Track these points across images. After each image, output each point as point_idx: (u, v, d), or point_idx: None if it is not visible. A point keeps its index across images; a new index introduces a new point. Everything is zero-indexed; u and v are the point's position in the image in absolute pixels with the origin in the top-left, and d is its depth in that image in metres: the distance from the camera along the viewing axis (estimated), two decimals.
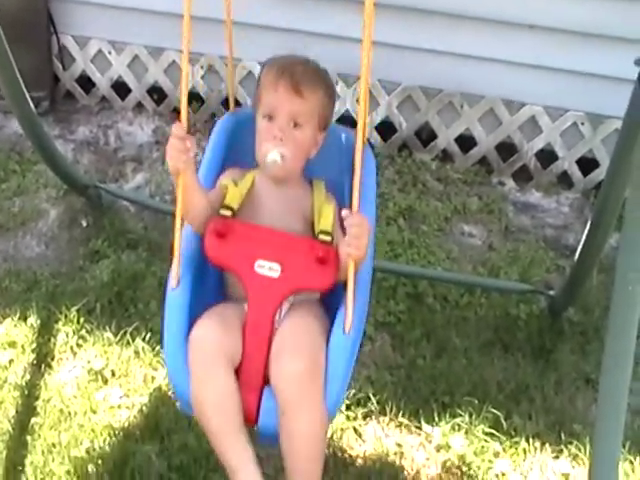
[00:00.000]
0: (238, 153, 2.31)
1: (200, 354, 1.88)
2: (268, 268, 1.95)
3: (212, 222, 2.02)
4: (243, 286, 1.98)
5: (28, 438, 2.72)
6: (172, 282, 1.97)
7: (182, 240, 2.01)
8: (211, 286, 2.19)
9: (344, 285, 1.91)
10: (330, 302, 2.12)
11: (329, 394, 1.87)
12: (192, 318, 1.95)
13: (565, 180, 4.12)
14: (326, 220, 2.10)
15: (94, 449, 2.68)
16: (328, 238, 2.04)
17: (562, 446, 2.78)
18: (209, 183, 2.20)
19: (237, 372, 1.90)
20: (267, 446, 2.01)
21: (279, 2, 3.87)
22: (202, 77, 4.29)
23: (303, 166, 2.22)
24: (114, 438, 2.72)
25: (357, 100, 2.09)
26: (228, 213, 2.07)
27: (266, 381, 1.90)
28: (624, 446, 2.35)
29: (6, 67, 2.99)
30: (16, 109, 3.21)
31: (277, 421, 1.87)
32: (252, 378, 1.89)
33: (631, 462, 2.71)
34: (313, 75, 2.16)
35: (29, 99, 3.18)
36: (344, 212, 1.90)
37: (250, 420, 1.89)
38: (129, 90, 4.48)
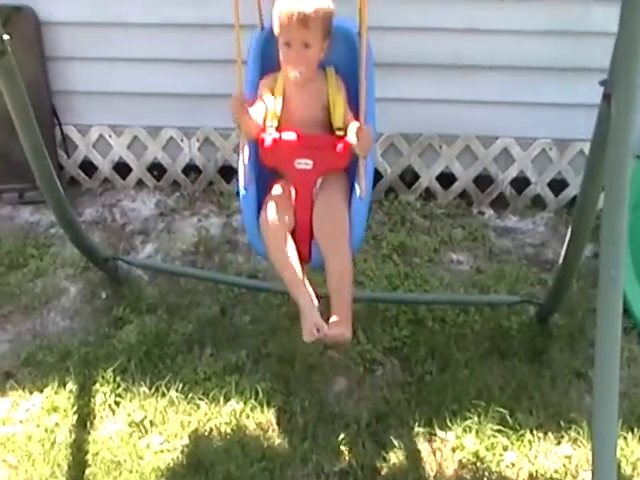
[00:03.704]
0: (270, 57, 2.86)
1: (269, 232, 2.70)
2: (304, 163, 2.74)
3: (262, 139, 2.75)
4: (289, 177, 2.78)
5: None
6: (242, 185, 2.76)
7: (245, 157, 2.77)
8: (264, 182, 2.88)
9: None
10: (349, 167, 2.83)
11: (353, 237, 2.69)
12: (258, 202, 2.77)
13: (539, 202, 4.43)
14: (339, 115, 2.82)
15: None
16: (342, 133, 2.78)
17: (563, 432, 3.05)
18: (252, 89, 2.88)
19: (293, 232, 2.72)
20: (317, 269, 2.76)
21: None
22: (198, 149, 4.57)
23: (316, 67, 2.81)
24: (163, 478, 2.94)
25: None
26: (273, 126, 2.79)
27: (312, 235, 2.73)
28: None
29: (40, 156, 3.26)
30: (46, 191, 3.43)
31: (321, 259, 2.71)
32: (303, 235, 2.74)
33: (625, 438, 3.00)
34: (314, 5, 2.67)
35: (57, 181, 3.43)
36: (352, 125, 2.71)
37: (305, 260, 2.74)
38: (130, 169, 4.70)
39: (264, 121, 2.81)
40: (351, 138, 2.70)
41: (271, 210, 2.72)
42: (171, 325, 3.65)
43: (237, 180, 2.82)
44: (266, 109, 2.84)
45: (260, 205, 2.77)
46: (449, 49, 4.10)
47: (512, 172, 4.40)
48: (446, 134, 4.37)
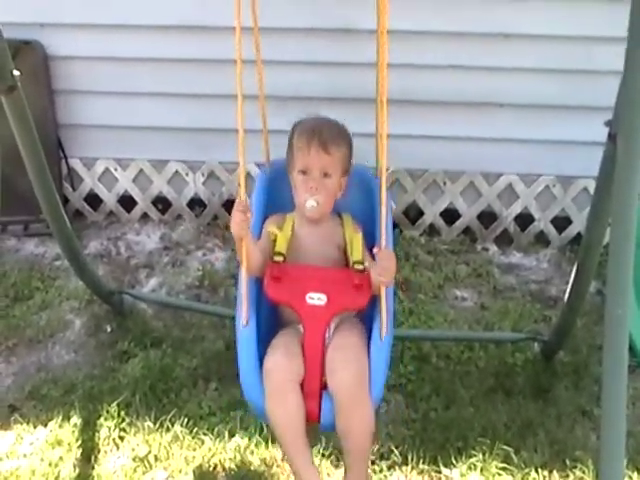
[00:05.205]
0: (276, 199, 2.80)
1: (273, 382, 2.29)
2: (317, 298, 2.40)
3: (269, 268, 2.48)
4: (298, 315, 2.40)
5: None
6: (243, 321, 2.39)
7: (244, 288, 2.40)
8: (267, 315, 2.64)
9: (375, 299, 2.41)
10: (364, 311, 2.53)
11: (374, 388, 2.30)
12: (258, 345, 2.37)
13: (542, 239, 4.46)
14: (357, 250, 2.59)
15: None
16: (361, 267, 2.52)
17: (568, 471, 3.04)
18: (257, 229, 2.65)
19: (302, 384, 2.31)
20: (327, 430, 2.36)
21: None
22: (203, 183, 4.59)
23: (332, 205, 2.67)
24: None
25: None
26: (280, 259, 2.56)
27: (323, 387, 2.31)
28: None
29: (48, 190, 3.28)
30: (53, 224, 3.45)
31: (334, 418, 2.29)
32: (313, 386, 2.30)
33: (630, 477, 3.00)
34: (336, 134, 2.62)
35: (64, 214, 3.44)
36: (375, 249, 2.38)
37: (313, 419, 2.30)
38: (135, 203, 4.72)
39: (269, 254, 2.58)
40: (372, 266, 2.43)
41: (278, 356, 2.34)
42: (176, 359, 3.65)
43: (235, 315, 2.48)
44: (272, 244, 2.61)
45: (260, 347, 2.40)
46: (455, 86, 4.15)
47: (516, 208, 4.43)
48: (450, 170, 4.41)
